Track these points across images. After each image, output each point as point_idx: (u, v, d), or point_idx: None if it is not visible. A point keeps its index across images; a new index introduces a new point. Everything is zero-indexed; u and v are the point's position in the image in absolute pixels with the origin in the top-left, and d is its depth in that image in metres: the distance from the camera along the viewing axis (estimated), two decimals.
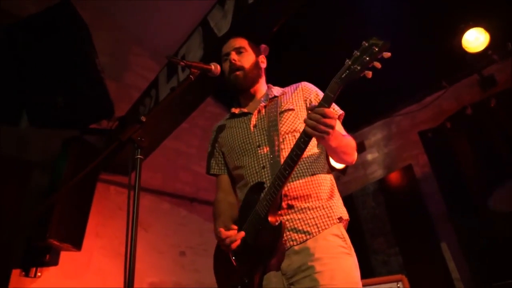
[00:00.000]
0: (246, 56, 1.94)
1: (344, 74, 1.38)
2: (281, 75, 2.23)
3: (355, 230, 4.62)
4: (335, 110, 1.82)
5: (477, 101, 3.94)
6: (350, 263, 1.59)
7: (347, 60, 1.39)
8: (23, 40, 3.37)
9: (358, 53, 1.37)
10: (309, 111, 1.45)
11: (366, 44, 1.37)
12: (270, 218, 1.56)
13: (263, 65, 2.03)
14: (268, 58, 2.09)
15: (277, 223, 1.56)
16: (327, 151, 1.74)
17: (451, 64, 4.11)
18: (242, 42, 1.98)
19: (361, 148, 5.21)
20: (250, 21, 2.59)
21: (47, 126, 3.55)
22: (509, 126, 3.59)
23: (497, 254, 3.41)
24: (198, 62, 1.79)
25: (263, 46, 2.15)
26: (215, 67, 1.82)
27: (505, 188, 2.27)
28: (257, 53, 2.00)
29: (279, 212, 1.61)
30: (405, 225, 4.34)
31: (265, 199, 1.58)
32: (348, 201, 4.86)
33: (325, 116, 1.40)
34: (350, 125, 4.93)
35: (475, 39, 3.62)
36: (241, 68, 1.90)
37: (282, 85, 2.04)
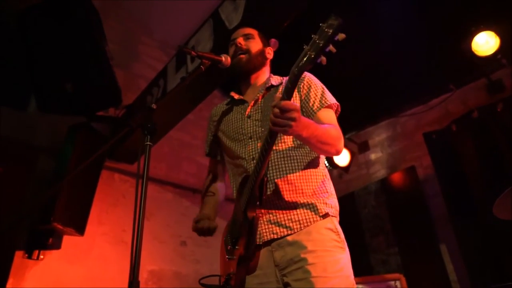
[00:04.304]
0: (253, 43, 1.92)
1: (302, 62, 1.28)
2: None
3: (355, 228, 4.69)
4: (325, 100, 1.75)
5: (484, 105, 3.94)
6: (343, 257, 1.59)
7: (305, 46, 1.27)
8: (34, 25, 3.40)
9: (316, 37, 1.24)
10: (272, 107, 1.36)
11: (324, 27, 1.23)
12: (247, 212, 1.57)
13: (269, 56, 2.00)
14: (276, 52, 2.09)
15: (251, 218, 1.56)
16: (303, 143, 1.66)
17: (459, 66, 4.10)
18: (251, 31, 1.97)
19: (365, 147, 5.23)
20: (261, 14, 2.60)
21: (55, 112, 3.58)
22: None
23: (496, 258, 3.42)
24: (210, 53, 1.80)
25: (272, 40, 2.14)
26: (225, 59, 1.83)
27: (508, 195, 2.26)
28: (265, 44, 1.99)
29: (264, 207, 1.62)
30: (406, 225, 4.35)
31: (245, 193, 1.59)
32: (349, 199, 4.88)
33: (283, 109, 1.32)
34: (355, 123, 5.03)
35: (485, 43, 3.60)
36: (246, 51, 1.88)
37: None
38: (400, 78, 4.25)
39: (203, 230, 1.73)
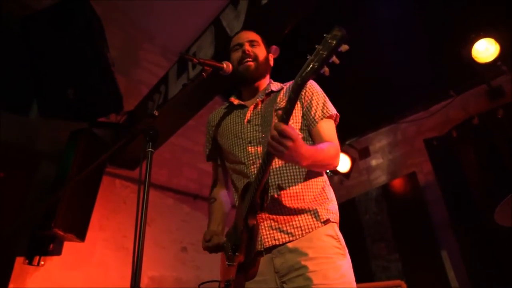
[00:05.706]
0: (259, 50, 1.91)
1: (305, 72, 1.27)
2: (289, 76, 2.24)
3: (356, 235, 4.68)
4: (326, 110, 1.76)
5: (485, 111, 3.95)
6: (344, 263, 1.58)
7: (309, 56, 1.27)
8: (36, 32, 3.42)
9: (320, 48, 1.24)
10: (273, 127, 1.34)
11: (328, 38, 1.23)
12: (248, 219, 1.56)
13: (271, 63, 2.00)
14: (277, 59, 2.10)
15: (251, 225, 1.55)
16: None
17: (459, 73, 4.12)
18: (255, 36, 1.96)
19: (365, 154, 5.23)
20: (262, 22, 2.61)
21: (56, 117, 3.59)
22: None
23: (497, 264, 3.41)
24: (211, 60, 1.80)
25: (273, 47, 2.15)
26: (227, 66, 1.83)
27: (509, 201, 2.26)
28: (268, 50, 1.99)
29: (265, 213, 1.62)
30: (407, 231, 4.34)
31: (246, 200, 1.59)
32: (350, 205, 4.88)
33: (281, 134, 1.31)
34: (355, 130, 5.04)
35: (485, 50, 3.62)
36: (254, 59, 1.87)
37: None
38: (400, 85, 4.26)
39: (214, 249, 1.76)
